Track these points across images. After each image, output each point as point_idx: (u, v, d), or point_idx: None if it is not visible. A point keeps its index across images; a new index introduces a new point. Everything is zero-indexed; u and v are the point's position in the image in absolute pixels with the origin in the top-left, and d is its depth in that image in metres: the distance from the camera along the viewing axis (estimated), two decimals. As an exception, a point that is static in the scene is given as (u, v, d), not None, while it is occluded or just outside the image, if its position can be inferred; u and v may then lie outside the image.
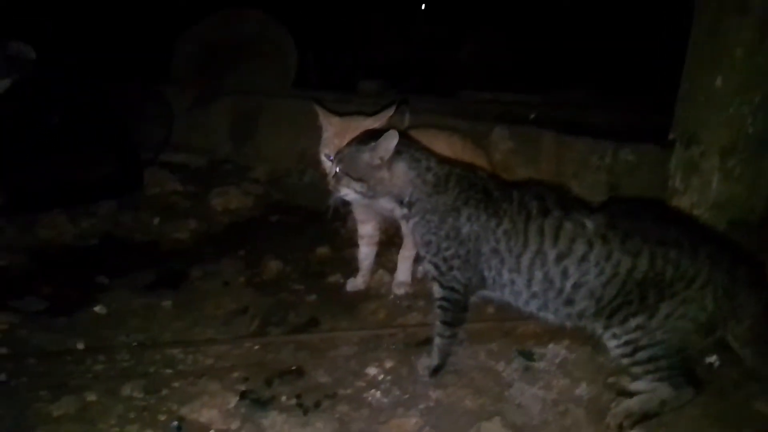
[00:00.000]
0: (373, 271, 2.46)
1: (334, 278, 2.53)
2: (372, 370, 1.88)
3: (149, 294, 2.37)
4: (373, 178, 1.77)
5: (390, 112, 2.17)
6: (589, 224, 1.64)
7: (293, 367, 1.91)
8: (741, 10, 2.08)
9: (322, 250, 2.75)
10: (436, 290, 1.83)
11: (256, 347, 2.04)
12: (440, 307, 1.83)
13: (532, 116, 3.31)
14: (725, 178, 2.18)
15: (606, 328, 1.64)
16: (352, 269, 2.47)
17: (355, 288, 2.42)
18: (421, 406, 1.73)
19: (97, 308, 2.25)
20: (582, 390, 1.78)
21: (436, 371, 1.86)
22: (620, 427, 1.63)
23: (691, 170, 2.24)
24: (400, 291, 2.36)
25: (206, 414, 1.68)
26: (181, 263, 2.61)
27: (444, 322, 1.83)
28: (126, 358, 1.96)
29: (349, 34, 5.14)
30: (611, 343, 1.65)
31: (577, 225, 1.64)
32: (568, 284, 1.65)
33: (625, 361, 1.64)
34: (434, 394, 1.78)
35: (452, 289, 1.79)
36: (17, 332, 2.08)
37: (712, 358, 1.85)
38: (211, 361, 1.96)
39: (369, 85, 4.15)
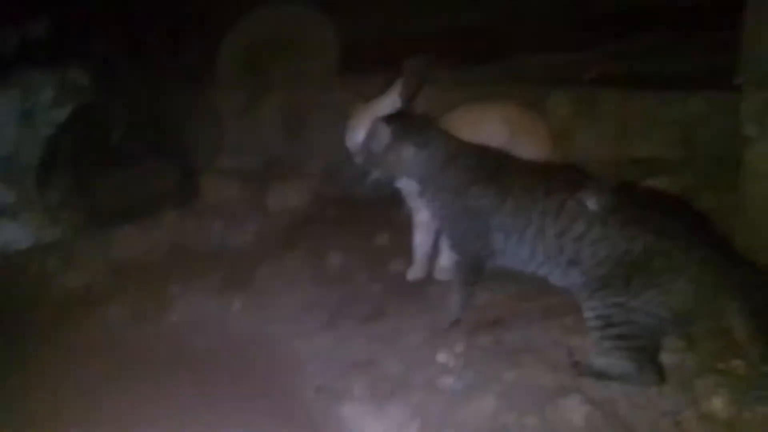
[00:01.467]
0: (434, 258, 2.41)
1: (396, 266, 2.51)
2: (443, 357, 1.87)
3: (219, 297, 2.44)
4: (385, 162, 1.92)
5: (396, 88, 2.19)
6: (592, 205, 1.66)
7: (364, 359, 1.92)
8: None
9: (381, 240, 2.75)
10: (453, 254, 2.01)
11: (327, 340, 2.06)
12: (457, 268, 1.99)
13: (589, 76, 3.15)
14: (806, 118, 2.00)
15: (587, 299, 1.66)
16: (412, 256, 2.44)
17: (416, 276, 2.40)
18: (496, 388, 1.70)
19: (174, 317, 2.34)
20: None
21: (455, 323, 1.98)
22: (576, 364, 1.71)
23: (766, 114, 2.06)
24: (444, 276, 2.32)
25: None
26: (246, 265, 2.67)
27: (461, 281, 1.97)
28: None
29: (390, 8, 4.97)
30: (587, 314, 1.66)
31: (579, 205, 1.67)
32: (563, 259, 1.70)
33: (596, 333, 1.65)
34: (508, 374, 1.75)
35: (466, 254, 1.93)
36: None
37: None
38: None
39: (413, 64, 4.07)
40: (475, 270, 1.94)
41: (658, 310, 1.59)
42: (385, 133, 1.90)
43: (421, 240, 2.38)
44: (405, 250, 2.56)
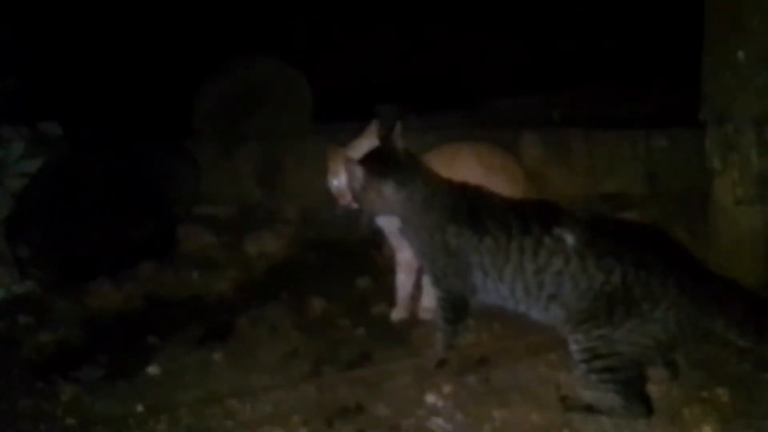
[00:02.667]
0: (417, 298, 2.43)
1: (379, 309, 2.51)
2: (431, 398, 1.86)
3: (200, 348, 2.37)
4: (366, 200, 1.95)
5: (372, 128, 2.26)
6: (570, 240, 1.69)
7: (352, 404, 1.88)
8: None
9: (363, 282, 2.75)
10: (436, 292, 1.99)
11: (312, 388, 2.02)
12: (440, 306, 1.99)
13: (556, 115, 3.28)
14: (765, 150, 2.12)
15: (571, 333, 1.69)
16: (395, 297, 2.45)
17: (399, 317, 2.40)
18: (487, 428, 1.70)
19: (152, 369, 2.27)
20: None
21: (441, 363, 1.97)
22: (564, 399, 1.78)
23: (728, 148, 2.17)
24: (427, 316, 2.34)
25: (272, 462, 1.67)
26: (226, 314, 2.62)
27: (445, 319, 1.98)
28: (187, 414, 1.96)
29: (361, 58, 5.10)
30: (573, 347, 1.69)
31: (556, 241, 1.70)
32: (544, 294, 1.73)
33: (583, 366, 1.68)
34: (498, 413, 1.75)
35: (449, 291, 1.94)
36: (81, 401, 2.11)
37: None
38: (270, 407, 1.95)
39: (387, 108, 4.15)
40: (459, 308, 1.95)
41: (642, 339, 1.62)
42: (359, 172, 1.91)
43: (403, 280, 2.39)
44: (387, 291, 2.57)
